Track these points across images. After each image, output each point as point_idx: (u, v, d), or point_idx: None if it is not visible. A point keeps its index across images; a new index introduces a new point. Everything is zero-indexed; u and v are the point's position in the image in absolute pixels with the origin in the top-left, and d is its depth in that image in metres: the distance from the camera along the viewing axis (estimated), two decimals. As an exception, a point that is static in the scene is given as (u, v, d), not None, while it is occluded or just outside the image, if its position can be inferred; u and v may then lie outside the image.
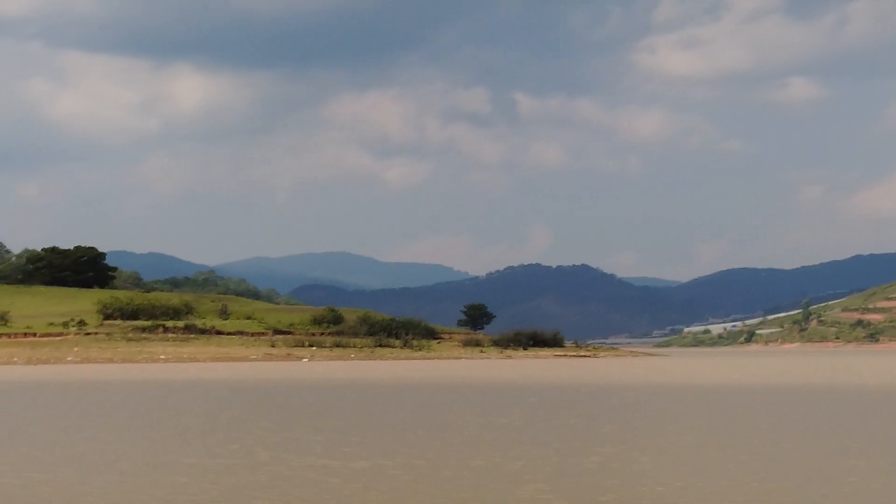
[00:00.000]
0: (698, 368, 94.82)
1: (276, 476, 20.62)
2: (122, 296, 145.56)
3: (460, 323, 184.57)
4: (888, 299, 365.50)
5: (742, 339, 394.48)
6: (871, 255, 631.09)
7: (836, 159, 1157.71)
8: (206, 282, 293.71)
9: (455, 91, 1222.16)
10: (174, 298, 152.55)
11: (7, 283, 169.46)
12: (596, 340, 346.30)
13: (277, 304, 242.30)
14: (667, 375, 75.71)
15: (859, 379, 67.53)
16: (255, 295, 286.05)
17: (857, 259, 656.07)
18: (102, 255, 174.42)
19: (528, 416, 36.03)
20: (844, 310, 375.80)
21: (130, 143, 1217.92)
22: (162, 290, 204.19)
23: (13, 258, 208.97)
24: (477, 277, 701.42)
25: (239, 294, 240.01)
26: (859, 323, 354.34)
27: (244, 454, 24.32)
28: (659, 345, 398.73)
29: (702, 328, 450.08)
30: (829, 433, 29.17)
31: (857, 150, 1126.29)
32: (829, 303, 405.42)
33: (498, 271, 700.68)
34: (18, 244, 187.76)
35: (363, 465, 22.21)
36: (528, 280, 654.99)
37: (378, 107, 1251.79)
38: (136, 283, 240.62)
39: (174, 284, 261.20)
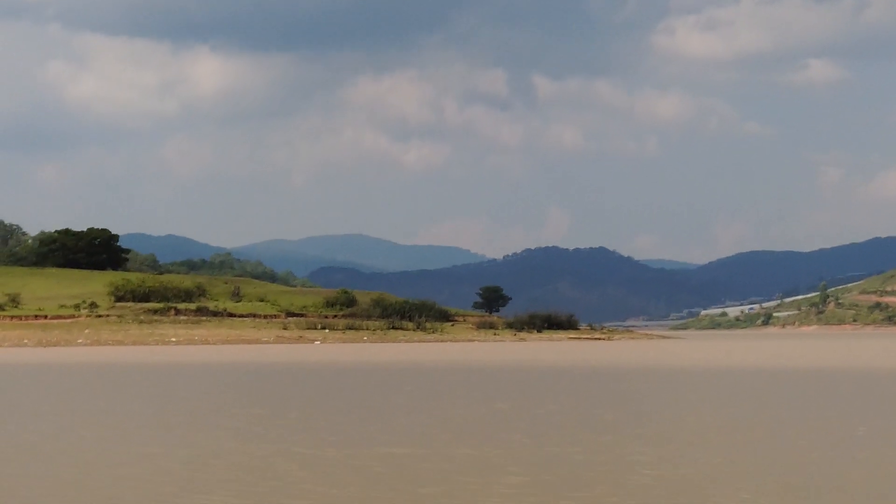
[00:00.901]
0: (711, 352, 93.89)
1: (236, 466, 19.76)
2: (133, 278, 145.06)
3: (476, 305, 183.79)
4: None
5: (759, 321, 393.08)
6: (889, 237, 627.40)
7: (855, 142, 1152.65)
8: (223, 264, 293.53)
9: (473, 73, 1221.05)
10: (186, 281, 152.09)
11: (21, 266, 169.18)
12: (613, 323, 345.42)
13: (294, 286, 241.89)
14: (678, 358, 74.87)
15: (873, 362, 66.55)
16: (272, 277, 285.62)
17: (876, 242, 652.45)
18: (116, 237, 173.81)
19: (527, 401, 35.19)
20: (862, 292, 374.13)
21: (149, 126, 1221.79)
22: (178, 273, 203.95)
23: (30, 241, 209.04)
24: (494, 260, 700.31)
25: (255, 277, 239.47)
26: (877, 306, 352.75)
27: (210, 442, 23.40)
28: (676, 327, 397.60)
29: (719, 311, 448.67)
30: (836, 419, 28.27)
31: (877, 133, 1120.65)
32: (847, 285, 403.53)
33: (515, 254, 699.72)
34: (37, 227, 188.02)
35: (332, 453, 21.38)
36: (545, 263, 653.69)
37: (396, 89, 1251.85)
38: (153, 265, 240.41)
39: (190, 267, 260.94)
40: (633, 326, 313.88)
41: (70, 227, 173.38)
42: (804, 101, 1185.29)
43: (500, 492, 16.81)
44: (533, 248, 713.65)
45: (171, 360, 73.62)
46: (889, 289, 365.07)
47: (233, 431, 25.66)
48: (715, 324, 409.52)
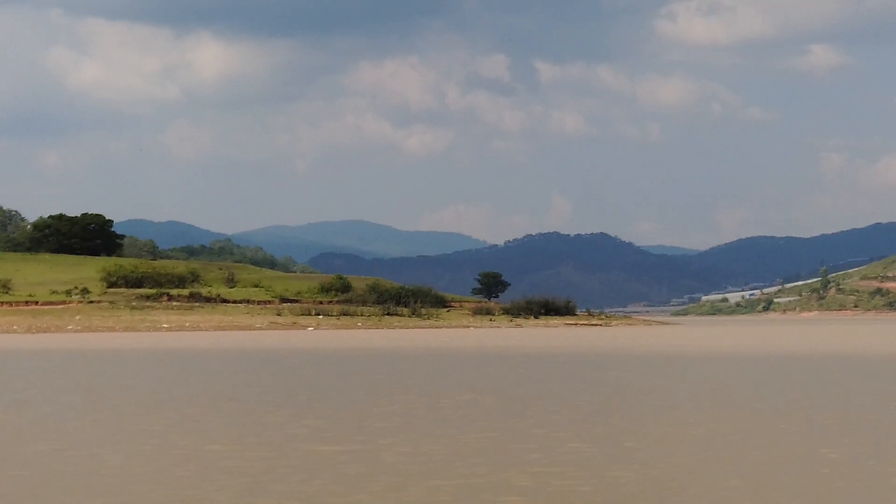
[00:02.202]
0: (705, 338, 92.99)
1: (151, 461, 18.84)
2: (126, 263, 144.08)
3: (475, 291, 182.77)
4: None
5: (760, 307, 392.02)
6: (890, 223, 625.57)
7: (858, 127, 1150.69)
8: (222, 250, 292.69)
9: (475, 58, 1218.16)
10: (180, 266, 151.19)
11: (16, 252, 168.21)
12: (615, 309, 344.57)
13: (293, 272, 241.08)
14: (671, 345, 73.92)
15: (862, 347, 65.64)
16: (272, 263, 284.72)
17: (877, 227, 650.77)
18: (110, 223, 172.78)
19: (499, 389, 34.24)
20: (863, 278, 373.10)
21: (151, 111, 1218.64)
22: (178, 259, 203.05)
23: (29, 227, 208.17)
24: (496, 246, 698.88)
25: (255, 263, 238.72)
26: (878, 291, 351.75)
27: (146, 436, 22.40)
28: (677, 313, 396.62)
29: (720, 297, 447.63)
30: (821, 408, 27.31)
31: (879, 118, 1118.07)
32: (848, 271, 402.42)
33: (517, 240, 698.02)
34: (38, 213, 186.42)
35: (253, 445, 20.47)
36: (546, 249, 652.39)
37: (398, 74, 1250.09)
38: (152, 251, 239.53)
39: (190, 253, 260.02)
40: (633, 312, 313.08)
41: (68, 213, 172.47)
42: (806, 86, 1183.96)
43: (420, 498, 15.84)
44: (534, 234, 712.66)
45: (158, 346, 72.81)
46: (890, 274, 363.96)
47: (169, 420, 24.78)
48: (715, 309, 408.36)
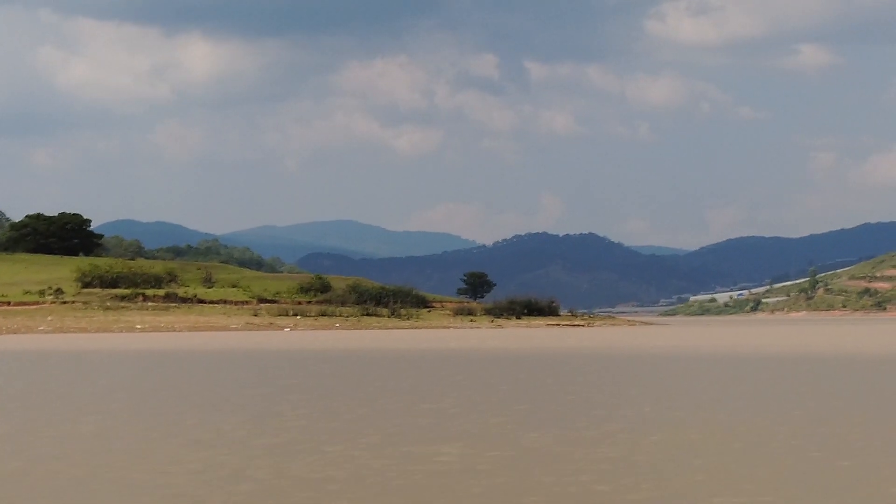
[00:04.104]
0: (686, 338, 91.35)
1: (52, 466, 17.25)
2: (102, 263, 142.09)
3: (460, 291, 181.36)
4: (895, 267, 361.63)
5: (748, 307, 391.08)
6: (879, 223, 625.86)
7: (847, 126, 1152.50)
8: (209, 250, 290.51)
9: (465, 58, 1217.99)
10: (157, 266, 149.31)
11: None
12: (604, 309, 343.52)
13: (280, 272, 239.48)
14: (639, 345, 72.24)
15: (836, 347, 64.05)
16: (259, 264, 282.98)
17: (866, 227, 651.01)
18: (88, 222, 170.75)
19: (457, 394, 32.55)
20: (851, 278, 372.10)
21: (141, 111, 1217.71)
22: (163, 259, 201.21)
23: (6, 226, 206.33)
24: (484, 246, 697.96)
25: (242, 263, 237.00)
26: (866, 291, 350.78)
27: (58, 440, 20.81)
28: (665, 313, 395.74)
29: (708, 297, 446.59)
30: (785, 411, 25.65)
31: (867, 117, 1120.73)
32: (837, 271, 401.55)
33: (506, 240, 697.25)
34: (28, 213, 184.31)
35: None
36: (536, 249, 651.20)
37: (387, 74, 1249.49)
38: (138, 251, 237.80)
39: (176, 253, 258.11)
40: (622, 312, 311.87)
41: (58, 213, 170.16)
42: (796, 86, 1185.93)
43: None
44: (523, 234, 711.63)
45: (127, 347, 71.26)
46: (878, 274, 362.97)
47: (81, 424, 23.10)
48: (704, 310, 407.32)
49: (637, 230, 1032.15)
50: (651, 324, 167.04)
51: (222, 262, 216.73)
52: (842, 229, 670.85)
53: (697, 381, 38.31)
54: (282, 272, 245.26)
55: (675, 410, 26.26)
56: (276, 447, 19.64)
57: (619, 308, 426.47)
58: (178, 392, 33.96)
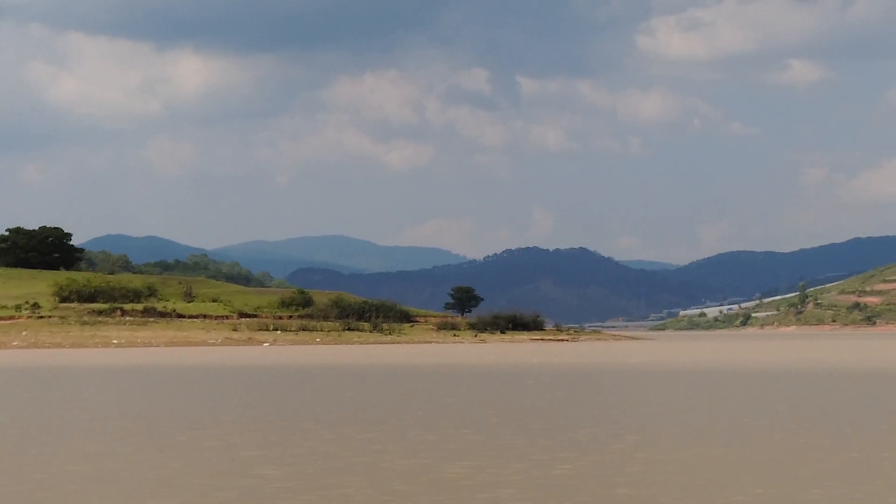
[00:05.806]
0: (669, 353, 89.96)
1: None
2: (80, 277, 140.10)
3: (447, 306, 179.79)
4: (885, 282, 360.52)
5: (738, 322, 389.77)
6: (869, 237, 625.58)
7: (837, 142, 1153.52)
8: (197, 265, 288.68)
9: (456, 73, 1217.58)
10: (136, 280, 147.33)
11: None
12: (594, 323, 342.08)
13: (269, 288, 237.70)
14: (627, 359, 70.80)
15: (815, 361, 62.65)
16: (247, 279, 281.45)
17: (856, 242, 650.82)
18: (69, 236, 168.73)
19: (416, 412, 31.02)
20: (841, 293, 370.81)
21: (132, 126, 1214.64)
22: (152, 274, 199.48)
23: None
24: (475, 261, 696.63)
25: (230, 278, 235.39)
26: (856, 306, 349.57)
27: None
28: (655, 328, 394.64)
29: (698, 311, 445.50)
30: (746, 421, 24.16)
31: (858, 132, 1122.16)
32: (827, 286, 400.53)
33: (496, 255, 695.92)
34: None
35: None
36: (526, 263, 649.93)
37: (379, 89, 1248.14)
38: (125, 266, 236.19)
39: (164, 268, 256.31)
40: (612, 327, 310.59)
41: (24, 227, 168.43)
42: (787, 101, 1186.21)
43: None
44: (514, 248, 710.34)
45: (101, 362, 69.76)
46: (868, 289, 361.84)
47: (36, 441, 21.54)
48: (693, 324, 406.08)
49: (628, 245, 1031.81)
50: (637, 338, 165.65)
51: (210, 277, 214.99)
52: (832, 244, 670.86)
53: (654, 397, 36.81)
54: (270, 288, 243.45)
55: (616, 429, 24.75)
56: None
57: (608, 323, 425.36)
58: (105, 413, 32.42)
